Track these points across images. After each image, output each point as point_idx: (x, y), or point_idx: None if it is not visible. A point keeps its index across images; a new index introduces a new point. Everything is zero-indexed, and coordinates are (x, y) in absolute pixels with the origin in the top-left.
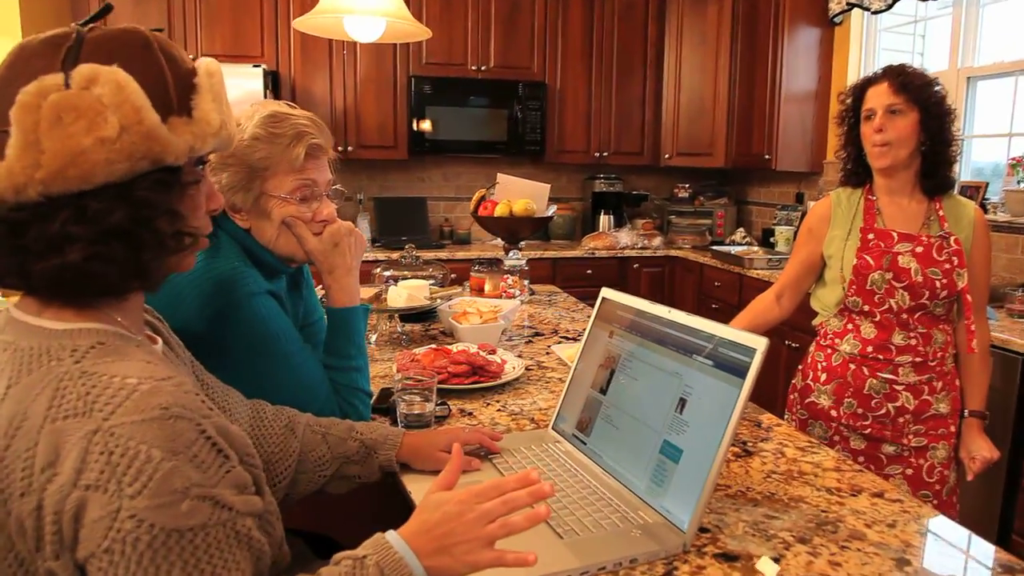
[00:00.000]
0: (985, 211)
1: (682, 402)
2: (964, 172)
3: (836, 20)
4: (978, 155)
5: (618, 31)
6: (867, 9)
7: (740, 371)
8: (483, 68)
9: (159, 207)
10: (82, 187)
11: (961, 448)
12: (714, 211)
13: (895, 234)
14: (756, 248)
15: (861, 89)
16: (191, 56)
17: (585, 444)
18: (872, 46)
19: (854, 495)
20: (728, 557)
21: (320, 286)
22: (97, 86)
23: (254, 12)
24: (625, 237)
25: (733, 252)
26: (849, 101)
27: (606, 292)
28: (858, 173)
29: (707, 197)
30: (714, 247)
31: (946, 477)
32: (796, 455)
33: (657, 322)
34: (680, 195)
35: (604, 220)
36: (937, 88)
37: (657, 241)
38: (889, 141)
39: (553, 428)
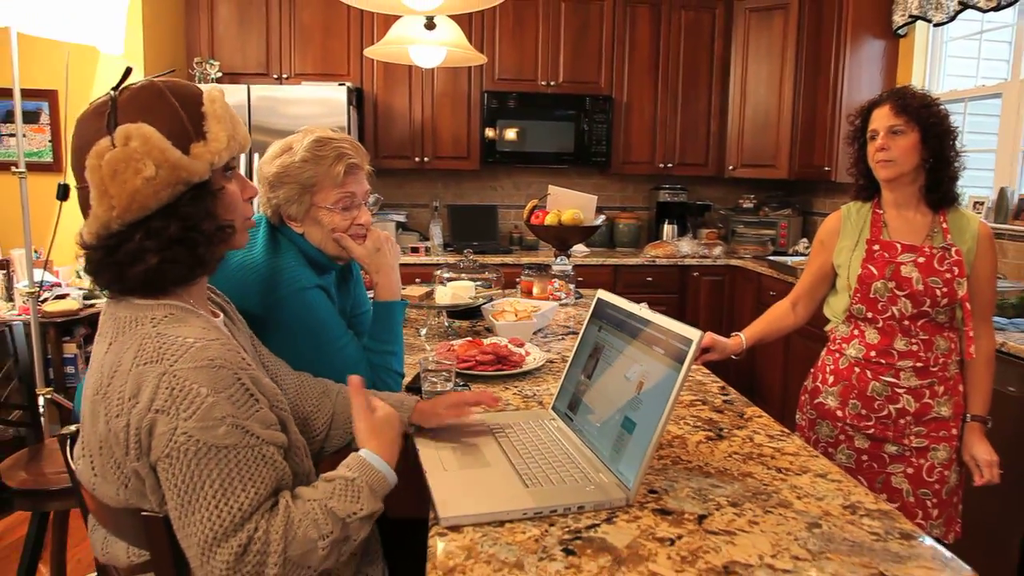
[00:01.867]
0: None
1: (640, 384)
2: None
3: (900, 32)
4: None
5: (684, 45)
6: (929, 21)
7: (681, 357)
8: (552, 83)
9: (200, 214)
10: (144, 214)
11: (964, 451)
12: (778, 221)
13: (899, 245)
14: None
15: (867, 111)
16: (275, 76)
17: (572, 421)
18: (937, 57)
19: (799, 474)
20: (664, 512)
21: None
22: (132, 141)
23: (341, 35)
24: (686, 246)
25: (789, 263)
26: (857, 123)
27: (601, 293)
28: (868, 188)
29: (772, 208)
30: (772, 257)
31: (946, 478)
32: (763, 441)
33: (631, 318)
34: (745, 205)
35: (668, 229)
36: (937, 108)
37: (718, 250)
38: (892, 159)
39: (552, 408)
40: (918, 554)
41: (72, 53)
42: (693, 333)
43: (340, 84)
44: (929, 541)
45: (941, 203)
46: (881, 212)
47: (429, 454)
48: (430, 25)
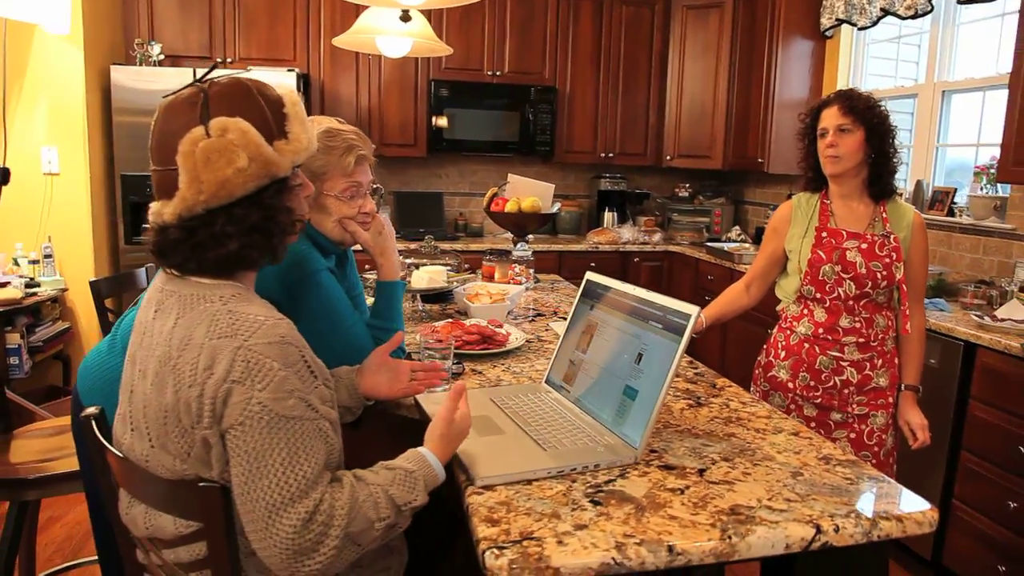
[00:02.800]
0: (953, 214)
1: (639, 355)
2: (937, 179)
3: (827, 34)
4: (953, 161)
5: (625, 40)
6: (854, 25)
7: (680, 330)
8: (498, 73)
9: (280, 207)
10: (229, 201)
11: (899, 417)
12: (712, 210)
13: (845, 232)
14: (748, 244)
15: (816, 111)
16: (219, 60)
17: (569, 392)
18: (860, 58)
19: (775, 433)
20: (668, 467)
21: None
22: (229, 133)
23: (287, 20)
24: (627, 232)
25: (726, 248)
26: (807, 121)
27: (589, 275)
28: (816, 180)
29: (706, 196)
30: (709, 243)
31: (884, 441)
32: (738, 407)
33: (625, 297)
34: (681, 194)
35: (608, 216)
36: (880, 109)
37: (657, 237)
38: (840, 155)
39: (546, 382)
40: (886, 493)
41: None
42: (691, 308)
43: (289, 70)
44: (894, 484)
45: (882, 195)
46: (828, 202)
47: None
48: (406, 18)
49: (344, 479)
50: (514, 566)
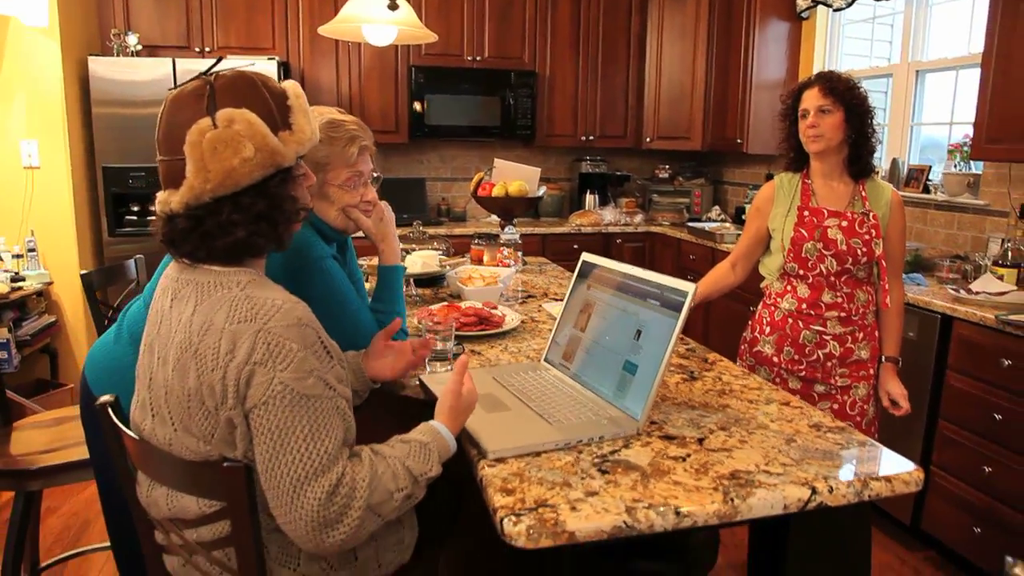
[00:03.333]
0: (928, 191)
1: (639, 332)
2: (912, 156)
3: (803, 15)
4: (927, 139)
5: (603, 23)
6: (829, 6)
7: (678, 307)
8: (478, 58)
9: (285, 196)
10: (236, 190)
11: (879, 387)
12: (692, 190)
13: (826, 211)
14: (728, 224)
15: (798, 92)
16: (196, 49)
17: (569, 369)
18: (836, 39)
19: (767, 404)
20: (669, 437)
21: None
22: (236, 124)
23: (266, 8)
24: (609, 214)
25: (707, 228)
26: (789, 102)
27: (586, 256)
28: (798, 160)
29: (686, 177)
30: (690, 224)
31: (866, 411)
32: (731, 380)
33: (623, 276)
34: (661, 175)
35: (590, 199)
36: (859, 91)
37: (639, 218)
38: (821, 134)
39: (545, 360)
40: (874, 456)
41: None
42: (688, 286)
43: (269, 59)
44: (881, 447)
45: (861, 173)
46: (809, 182)
47: None
48: (393, 6)
49: (363, 453)
50: (532, 531)
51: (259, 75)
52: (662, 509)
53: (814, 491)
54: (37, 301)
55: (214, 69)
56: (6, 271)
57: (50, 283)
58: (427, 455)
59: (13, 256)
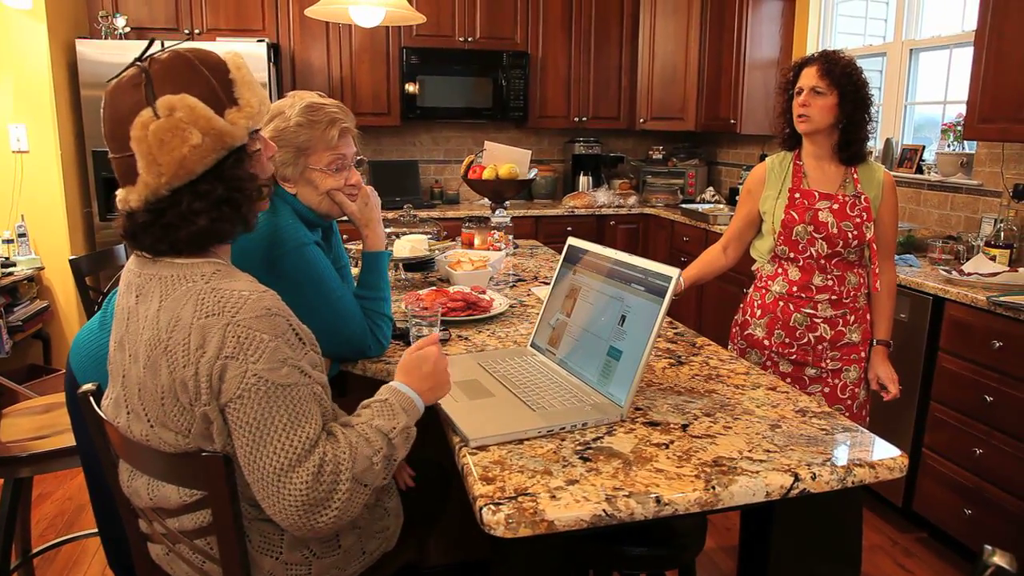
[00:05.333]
0: (921, 171)
1: (623, 317)
2: (906, 136)
3: None
4: (922, 117)
5: (595, 3)
6: None
7: (661, 292)
8: (469, 39)
9: (242, 175)
10: (191, 178)
11: (870, 371)
12: (686, 172)
13: (817, 193)
14: (722, 206)
15: (799, 67)
16: (186, 31)
17: (554, 354)
18: (829, 18)
19: (753, 389)
20: (653, 424)
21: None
22: (177, 111)
23: None
24: (603, 196)
25: (700, 210)
26: (790, 76)
27: (572, 240)
28: (793, 137)
29: (679, 158)
30: (684, 205)
31: (856, 394)
32: (718, 364)
33: (607, 261)
34: (654, 156)
35: (583, 181)
36: (857, 76)
37: (632, 200)
38: (809, 115)
39: (531, 345)
40: (859, 442)
41: None
42: (671, 270)
43: (259, 40)
44: (866, 433)
45: (851, 160)
46: (801, 164)
47: None
48: None
49: (335, 430)
50: (511, 520)
51: (195, 51)
52: (642, 497)
53: (797, 478)
54: (28, 287)
55: (148, 53)
56: None
57: (41, 268)
58: (390, 411)
59: (3, 241)
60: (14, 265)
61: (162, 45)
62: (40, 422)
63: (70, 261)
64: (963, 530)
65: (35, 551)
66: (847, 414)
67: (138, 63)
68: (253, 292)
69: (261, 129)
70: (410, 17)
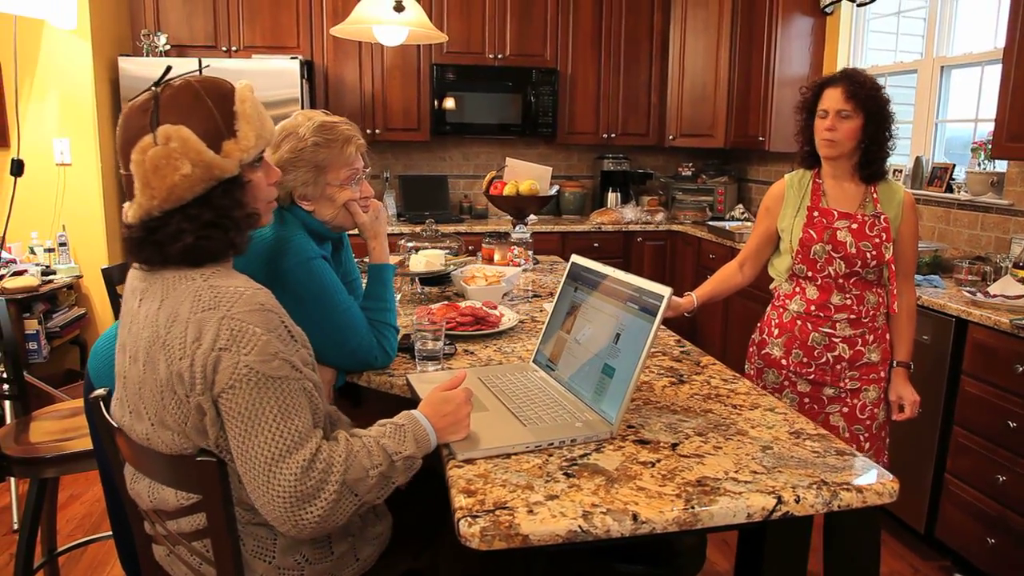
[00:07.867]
0: (951, 190)
1: (617, 335)
2: (937, 154)
3: (827, 10)
4: (953, 135)
5: (625, 20)
6: (852, 1)
7: (654, 311)
8: (499, 56)
9: (231, 204)
10: (182, 203)
11: (890, 391)
12: (715, 189)
13: (836, 212)
14: (750, 223)
15: (819, 88)
16: (224, 49)
17: (554, 371)
18: (860, 34)
19: (751, 409)
20: (643, 442)
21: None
22: (172, 141)
23: (290, 7)
24: (630, 212)
25: (727, 227)
26: (809, 95)
27: (575, 257)
28: (812, 155)
29: (709, 175)
30: (711, 223)
31: (876, 415)
32: (719, 384)
33: (605, 279)
34: (684, 173)
35: (611, 197)
36: (882, 96)
37: (660, 216)
38: (836, 140)
39: (533, 361)
40: (851, 466)
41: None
42: (663, 290)
43: (292, 57)
44: (860, 456)
45: (871, 179)
46: (820, 182)
47: None
48: (399, 7)
49: (339, 435)
50: (486, 533)
51: (205, 81)
52: (619, 515)
53: (780, 500)
54: (67, 294)
55: (165, 79)
56: (38, 265)
57: (80, 277)
58: (402, 436)
59: (45, 250)
60: (54, 273)
61: (199, 63)
62: (67, 425)
63: (102, 270)
64: (986, 560)
65: (60, 550)
66: (867, 435)
67: (153, 87)
68: (248, 288)
69: (264, 156)
70: (433, 36)
